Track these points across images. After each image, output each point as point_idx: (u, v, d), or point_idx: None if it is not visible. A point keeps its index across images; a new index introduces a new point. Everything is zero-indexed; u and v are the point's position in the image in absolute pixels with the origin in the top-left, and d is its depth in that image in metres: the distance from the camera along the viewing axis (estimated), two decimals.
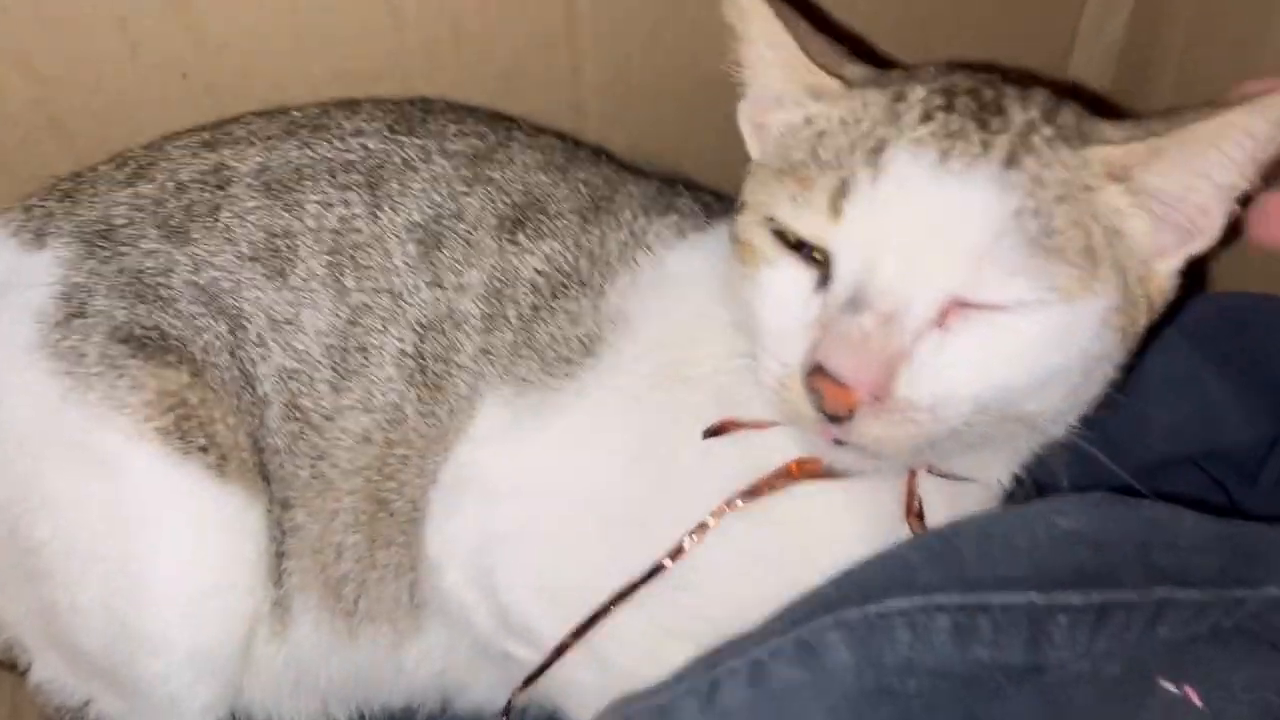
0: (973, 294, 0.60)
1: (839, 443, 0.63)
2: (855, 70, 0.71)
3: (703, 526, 0.71)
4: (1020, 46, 1.05)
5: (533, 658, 0.76)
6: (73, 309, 0.78)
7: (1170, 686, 0.61)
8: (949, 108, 0.65)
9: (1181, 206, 0.64)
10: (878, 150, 0.63)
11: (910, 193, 0.62)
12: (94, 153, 0.87)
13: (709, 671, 0.63)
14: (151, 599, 0.75)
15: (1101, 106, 0.71)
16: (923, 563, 0.63)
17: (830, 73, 0.68)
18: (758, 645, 0.62)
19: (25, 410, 0.76)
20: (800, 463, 0.70)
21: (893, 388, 0.60)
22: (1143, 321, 0.66)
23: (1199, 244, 0.65)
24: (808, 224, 0.64)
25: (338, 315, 0.79)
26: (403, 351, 0.79)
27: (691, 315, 0.76)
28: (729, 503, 0.71)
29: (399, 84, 0.93)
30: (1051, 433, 0.69)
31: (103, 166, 0.86)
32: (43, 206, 0.83)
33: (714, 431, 0.72)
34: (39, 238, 0.81)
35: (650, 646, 0.72)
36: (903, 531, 0.71)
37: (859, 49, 0.75)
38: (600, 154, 0.90)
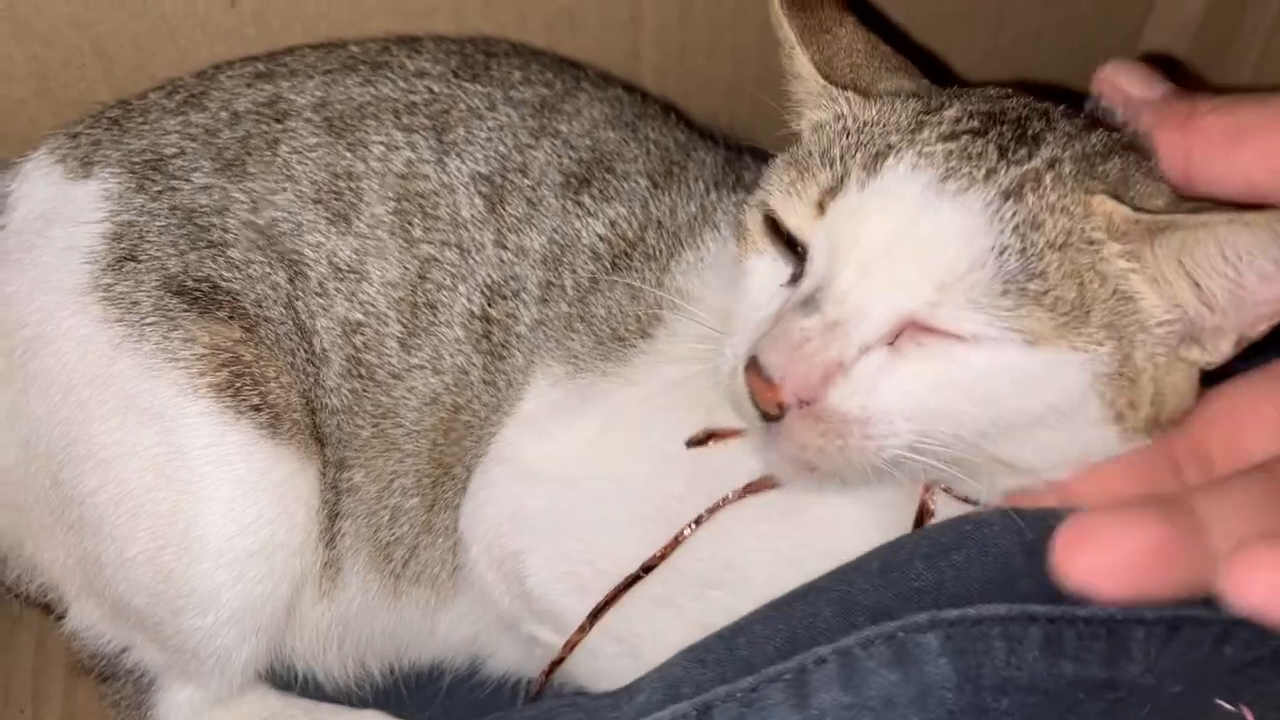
0: (930, 319, 0.58)
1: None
2: (904, 84, 0.68)
3: (697, 521, 0.70)
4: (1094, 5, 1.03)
5: (558, 642, 0.75)
6: (124, 251, 0.74)
7: (1227, 705, 0.62)
8: (981, 132, 0.61)
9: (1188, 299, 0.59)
10: (881, 156, 0.61)
11: (894, 205, 0.59)
12: (136, 81, 0.83)
13: (793, 656, 0.61)
14: (199, 556, 0.73)
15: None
16: (1024, 568, 0.61)
17: (856, 89, 0.66)
18: (844, 631, 0.61)
19: (73, 357, 0.73)
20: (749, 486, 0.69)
21: (823, 395, 0.59)
22: (1144, 412, 0.60)
23: (1208, 356, 0.60)
24: (794, 216, 0.62)
25: (406, 268, 0.76)
26: (471, 313, 0.76)
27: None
28: (724, 500, 0.69)
29: (453, 19, 0.89)
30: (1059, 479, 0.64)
31: (151, 94, 0.81)
32: (89, 134, 0.79)
33: (699, 441, 0.70)
34: (85, 166, 0.77)
35: (684, 642, 0.71)
36: None
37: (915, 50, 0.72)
38: (669, 111, 0.87)
